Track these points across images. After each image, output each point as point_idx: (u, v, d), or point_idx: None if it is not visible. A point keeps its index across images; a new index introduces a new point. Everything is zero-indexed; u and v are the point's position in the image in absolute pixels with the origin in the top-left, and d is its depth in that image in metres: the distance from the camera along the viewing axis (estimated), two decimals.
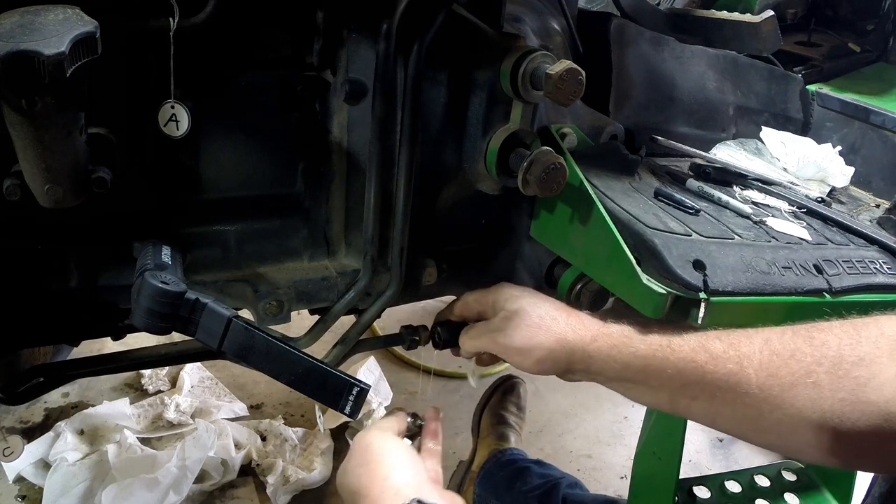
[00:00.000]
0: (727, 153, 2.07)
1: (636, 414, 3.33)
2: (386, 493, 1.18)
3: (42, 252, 1.36)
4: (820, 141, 2.22)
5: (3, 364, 1.78)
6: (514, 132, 1.42)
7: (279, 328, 1.49)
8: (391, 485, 1.18)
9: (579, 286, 1.55)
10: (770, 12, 1.92)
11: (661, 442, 1.90)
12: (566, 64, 1.27)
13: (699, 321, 1.37)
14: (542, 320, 1.39)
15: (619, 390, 1.38)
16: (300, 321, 1.60)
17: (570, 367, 1.37)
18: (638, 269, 1.37)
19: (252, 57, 1.37)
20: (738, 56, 2.27)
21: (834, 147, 2.19)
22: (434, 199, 1.54)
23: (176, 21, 1.18)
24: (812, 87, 2.49)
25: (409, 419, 1.45)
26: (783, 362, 1.17)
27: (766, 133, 2.16)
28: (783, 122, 2.38)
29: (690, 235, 1.48)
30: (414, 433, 1.47)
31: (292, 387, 1.19)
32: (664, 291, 1.35)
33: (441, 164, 1.50)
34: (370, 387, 1.22)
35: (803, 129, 2.46)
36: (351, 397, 1.20)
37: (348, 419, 2.83)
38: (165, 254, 1.30)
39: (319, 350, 1.41)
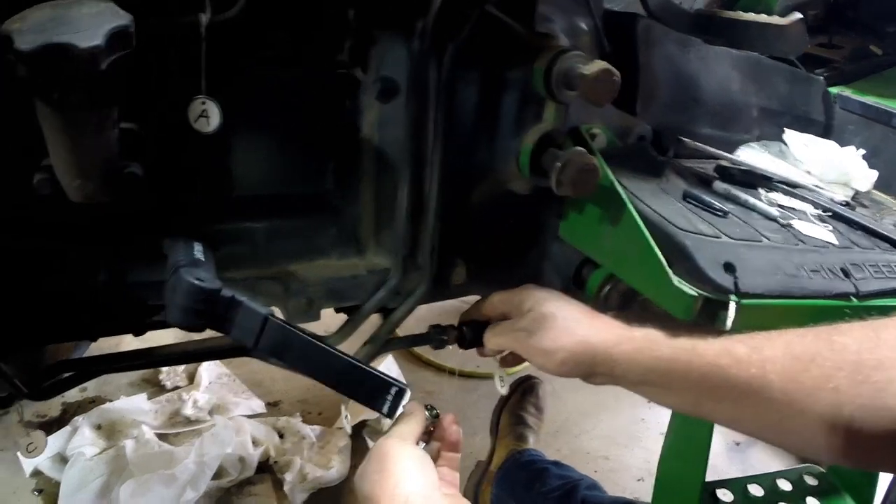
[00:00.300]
0: (751, 155, 2.06)
1: (654, 416, 3.33)
2: (395, 501, 1.17)
3: (71, 248, 1.36)
4: (842, 144, 2.21)
5: (27, 360, 1.78)
6: (547, 132, 1.42)
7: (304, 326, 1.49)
8: (400, 493, 1.17)
9: (608, 287, 1.55)
10: (798, 14, 1.92)
11: (687, 444, 1.89)
12: (601, 64, 1.27)
13: (728, 324, 1.37)
14: (566, 322, 1.40)
15: (642, 393, 1.37)
16: (323, 318, 1.60)
17: (593, 369, 1.37)
18: (669, 270, 1.36)
19: (283, 53, 1.37)
20: (761, 58, 2.26)
21: (856, 150, 2.18)
22: (465, 198, 1.54)
23: (208, 16, 1.18)
24: (833, 90, 2.48)
25: (426, 412, 1.45)
26: (804, 367, 1.16)
27: (790, 135, 2.15)
28: (805, 125, 2.37)
29: (720, 237, 1.48)
30: (430, 427, 1.46)
31: (330, 386, 1.19)
32: (695, 293, 1.34)
33: (472, 164, 1.50)
34: (408, 386, 1.22)
35: (825, 131, 2.45)
36: (389, 397, 1.20)
37: (367, 417, 2.84)
38: (198, 250, 1.29)
39: (344, 349, 1.40)
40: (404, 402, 1.27)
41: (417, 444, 1.35)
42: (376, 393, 1.19)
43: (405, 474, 1.20)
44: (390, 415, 1.22)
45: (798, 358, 1.18)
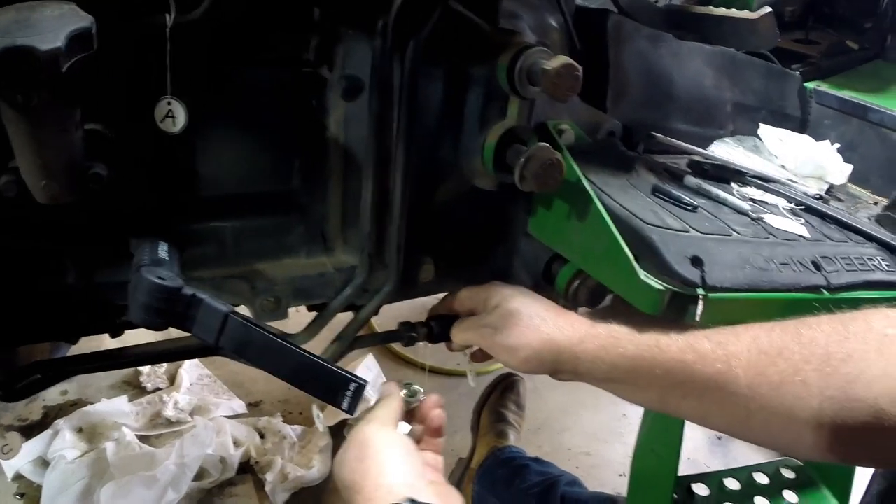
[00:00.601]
0: (725, 150, 2.07)
1: (635, 411, 3.31)
2: (379, 491, 1.15)
3: (38, 249, 1.36)
4: (818, 138, 2.22)
5: (0, 361, 1.78)
6: (511, 128, 1.42)
7: (276, 324, 1.49)
8: (384, 483, 1.16)
9: (577, 283, 1.55)
10: (767, 8, 1.92)
11: (660, 439, 1.90)
12: (563, 59, 1.27)
13: (696, 318, 1.37)
14: (531, 320, 1.39)
15: (608, 390, 1.38)
16: (297, 318, 1.60)
17: (557, 367, 1.37)
18: (636, 265, 1.36)
19: (249, 53, 1.37)
20: (735, 53, 2.27)
21: (832, 144, 2.19)
22: (431, 195, 1.54)
23: (172, 17, 1.19)
24: (810, 85, 2.49)
25: (403, 391, 1.44)
26: (771, 361, 1.17)
27: (764, 130, 2.16)
28: (781, 120, 2.38)
29: (688, 232, 1.48)
30: (412, 407, 1.46)
31: (290, 382, 1.19)
32: (662, 288, 1.34)
33: (438, 161, 1.50)
34: (367, 382, 1.22)
35: (801, 126, 2.46)
36: (348, 393, 1.20)
37: (346, 416, 2.83)
38: (162, 250, 1.30)
39: (317, 347, 1.40)
40: (382, 391, 1.28)
41: (397, 426, 1.35)
42: (335, 389, 1.20)
43: (388, 462, 1.20)
44: (350, 411, 1.22)
45: (765, 352, 1.18)
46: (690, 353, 1.24)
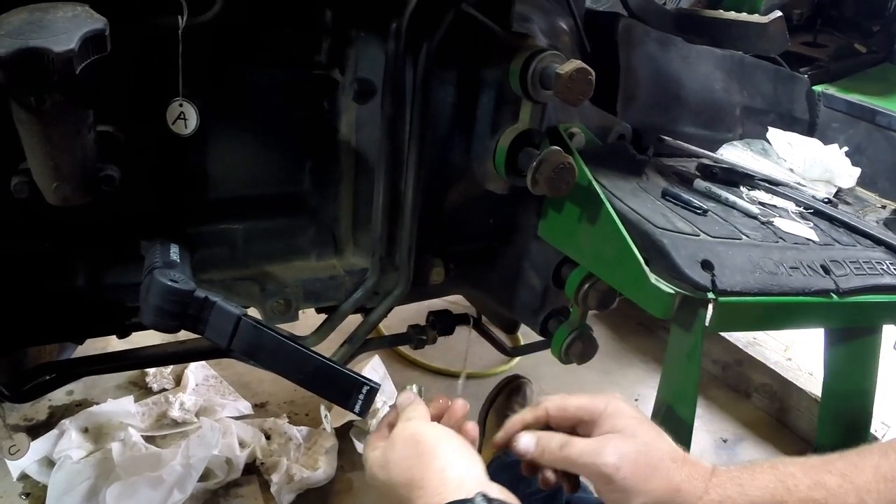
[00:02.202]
0: (734, 153, 2.07)
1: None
2: (447, 485, 1.07)
3: (49, 250, 1.36)
4: (826, 142, 2.22)
5: (9, 362, 1.78)
6: (523, 132, 1.42)
7: (285, 327, 1.48)
8: (452, 476, 1.09)
9: (587, 286, 1.55)
10: (778, 13, 1.92)
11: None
12: (576, 63, 1.27)
13: (707, 321, 1.37)
14: (662, 463, 1.17)
15: None
16: (305, 320, 1.60)
17: None
18: (646, 268, 1.37)
19: (260, 55, 1.37)
20: (744, 56, 2.27)
21: (840, 148, 2.18)
22: (442, 198, 1.55)
23: (185, 19, 1.18)
24: (818, 88, 2.49)
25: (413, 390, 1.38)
26: None
27: (773, 133, 2.16)
28: (789, 123, 2.38)
29: (698, 235, 1.48)
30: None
31: (301, 385, 1.19)
32: (672, 291, 1.35)
33: (449, 164, 1.51)
34: (379, 385, 1.22)
35: (809, 129, 2.46)
36: (361, 396, 1.20)
37: (353, 418, 2.83)
38: (174, 252, 1.30)
39: (325, 349, 1.40)
40: (392, 404, 1.25)
41: None
42: (348, 392, 1.19)
43: (451, 456, 1.13)
44: (362, 413, 1.21)
45: (892, 479, 1.12)
46: (820, 491, 1.13)
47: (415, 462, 1.14)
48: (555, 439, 1.22)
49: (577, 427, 1.26)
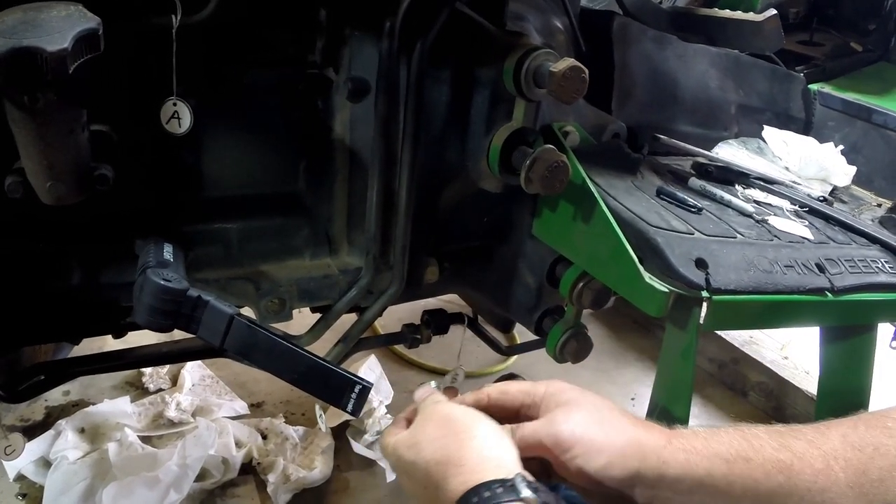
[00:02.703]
0: (729, 152, 2.07)
1: (640, 411, 3.31)
2: (486, 465, 1.05)
3: (43, 250, 1.35)
4: (822, 140, 2.22)
5: (4, 362, 1.78)
6: (517, 130, 1.42)
7: (280, 326, 1.48)
8: (490, 456, 1.07)
9: (581, 285, 1.55)
10: (773, 11, 1.92)
11: None
12: (569, 62, 1.27)
13: (701, 320, 1.37)
14: (617, 420, 1.18)
15: None
16: (301, 319, 1.60)
17: (640, 473, 1.14)
18: (640, 267, 1.37)
19: (254, 55, 1.37)
20: (740, 55, 2.27)
21: (836, 146, 2.19)
22: (436, 197, 1.54)
23: (178, 18, 1.19)
24: (814, 87, 2.49)
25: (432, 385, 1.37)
26: (868, 458, 1.12)
27: (769, 132, 2.16)
28: (785, 122, 2.38)
29: (693, 234, 1.48)
30: None
31: (294, 384, 1.19)
32: (666, 290, 1.35)
33: (444, 163, 1.51)
34: (372, 385, 1.22)
35: (805, 128, 2.46)
36: (353, 395, 1.20)
37: (349, 418, 2.83)
38: (167, 251, 1.30)
39: (321, 348, 1.40)
40: (389, 403, 1.26)
41: None
42: (340, 391, 1.19)
43: (488, 436, 1.11)
44: (355, 413, 1.21)
45: (859, 449, 1.13)
46: (786, 453, 1.13)
47: (451, 441, 1.12)
48: (504, 429, 1.19)
49: (519, 412, 1.25)
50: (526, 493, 0.99)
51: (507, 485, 1.01)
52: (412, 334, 1.63)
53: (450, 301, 2.28)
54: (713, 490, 1.14)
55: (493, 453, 1.08)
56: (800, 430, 1.17)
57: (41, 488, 2.48)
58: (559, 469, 1.17)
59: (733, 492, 1.13)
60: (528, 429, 1.19)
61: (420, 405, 1.23)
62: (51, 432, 2.65)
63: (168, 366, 3.04)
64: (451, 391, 1.33)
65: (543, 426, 1.17)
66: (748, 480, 1.12)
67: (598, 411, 1.18)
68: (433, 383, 1.31)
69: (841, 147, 2.20)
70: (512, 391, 1.26)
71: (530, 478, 1.02)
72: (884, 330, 1.81)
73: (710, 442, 1.15)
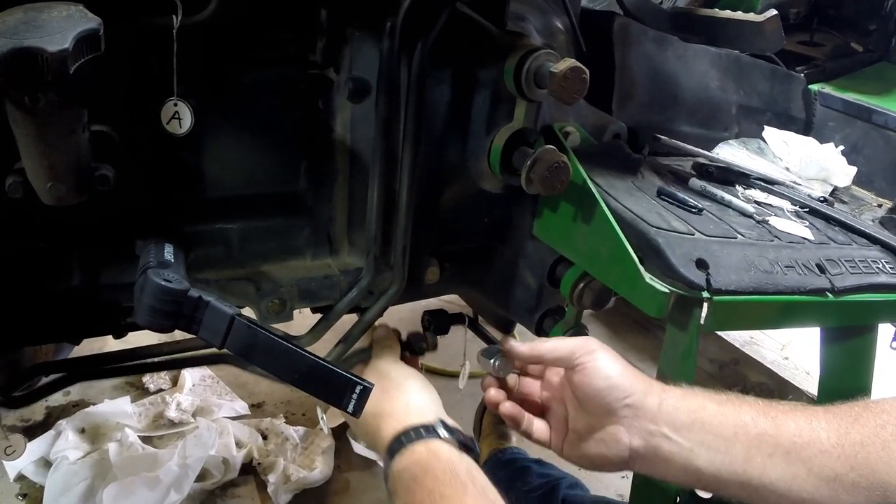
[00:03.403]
0: (730, 152, 2.07)
1: None
2: (410, 414, 1.29)
3: (44, 250, 1.35)
4: (822, 140, 2.22)
5: (5, 363, 1.78)
6: (518, 130, 1.43)
7: (281, 326, 1.48)
8: (414, 407, 1.31)
9: (582, 285, 1.55)
10: (773, 11, 1.92)
11: None
12: (570, 62, 1.27)
13: (702, 320, 1.38)
14: (615, 357, 1.31)
15: (670, 454, 1.24)
16: (301, 320, 1.60)
17: (644, 400, 1.26)
18: (641, 267, 1.37)
19: (255, 55, 1.37)
20: (740, 55, 2.27)
21: (836, 147, 2.19)
22: (437, 197, 1.54)
23: (179, 18, 1.18)
24: (814, 87, 2.49)
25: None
26: (849, 425, 1.18)
27: (769, 132, 2.16)
28: (785, 122, 2.38)
29: (693, 234, 1.48)
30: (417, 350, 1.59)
31: (295, 385, 1.18)
32: (667, 290, 1.35)
33: (444, 163, 1.50)
34: (373, 385, 1.22)
35: (806, 128, 2.46)
36: (354, 396, 1.19)
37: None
38: (168, 252, 1.30)
39: (320, 349, 1.40)
40: (378, 332, 1.35)
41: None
42: (341, 391, 1.19)
43: (413, 390, 1.37)
44: (356, 413, 1.21)
45: (840, 417, 1.20)
46: (771, 410, 1.23)
47: (384, 396, 1.34)
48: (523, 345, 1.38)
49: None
50: (443, 433, 1.27)
51: (429, 427, 1.27)
52: (419, 343, 1.63)
53: (450, 301, 2.28)
54: (707, 425, 1.22)
55: (417, 405, 1.33)
56: (779, 403, 1.26)
57: (41, 488, 2.49)
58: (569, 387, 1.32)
59: (725, 430, 1.21)
60: (545, 345, 1.35)
61: (373, 351, 1.51)
62: (51, 432, 2.66)
63: None
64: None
65: (558, 341, 1.34)
66: (738, 419, 1.21)
67: (623, 360, 1.31)
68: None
69: (841, 147, 2.20)
70: (563, 346, 1.34)
71: (450, 422, 1.29)
72: (884, 330, 1.81)
73: (702, 391, 1.28)
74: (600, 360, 1.28)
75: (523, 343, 1.38)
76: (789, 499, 1.19)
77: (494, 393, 1.39)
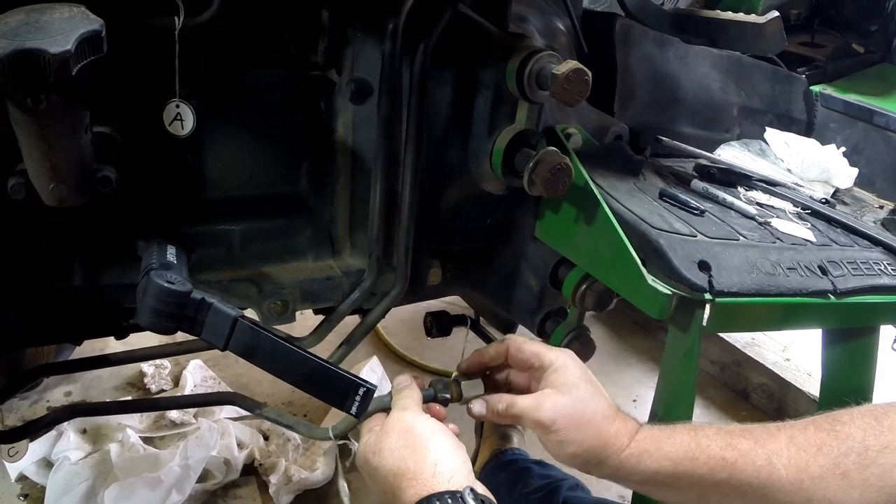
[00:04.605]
0: (731, 154, 2.07)
1: (640, 415, 3.30)
2: (438, 479, 1.15)
3: (46, 251, 1.35)
4: (824, 142, 2.22)
5: (6, 363, 1.78)
6: (520, 132, 1.42)
7: (283, 328, 1.48)
8: (442, 471, 1.16)
9: (584, 287, 1.55)
10: (775, 13, 1.92)
11: None
12: (572, 64, 1.27)
13: (704, 322, 1.37)
14: (594, 418, 1.30)
15: (643, 492, 1.37)
16: (303, 321, 1.60)
17: (598, 467, 1.31)
18: (643, 269, 1.37)
19: (257, 56, 1.37)
20: (742, 56, 2.27)
21: (837, 148, 2.19)
22: (439, 199, 1.54)
23: (181, 20, 1.18)
24: (816, 88, 2.49)
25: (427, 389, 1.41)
26: (811, 457, 1.19)
27: (770, 134, 2.16)
28: (787, 123, 2.38)
29: (695, 236, 1.48)
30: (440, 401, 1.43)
31: (298, 387, 1.19)
32: (669, 292, 1.35)
33: (446, 164, 1.50)
34: (376, 387, 1.22)
35: (807, 129, 2.46)
36: (357, 397, 1.20)
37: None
38: (171, 253, 1.30)
39: (323, 350, 1.40)
40: (399, 381, 1.29)
41: None
42: (344, 393, 1.19)
43: (442, 450, 1.21)
44: (358, 415, 1.21)
45: (803, 449, 1.21)
46: (731, 451, 1.23)
47: (408, 453, 1.20)
48: (501, 402, 1.36)
49: (529, 370, 1.40)
50: None
51: (457, 496, 1.12)
52: (443, 392, 1.54)
53: (452, 303, 2.28)
54: (661, 485, 1.28)
55: (446, 467, 1.17)
56: (750, 430, 1.27)
57: (43, 489, 2.49)
58: (540, 440, 1.35)
59: (680, 485, 1.27)
60: (517, 407, 1.33)
61: (395, 402, 1.33)
62: (53, 433, 2.65)
63: (170, 367, 3.05)
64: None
65: (531, 408, 1.31)
66: (693, 477, 1.25)
67: (583, 407, 1.31)
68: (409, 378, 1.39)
69: (843, 149, 2.20)
70: (527, 352, 1.38)
71: (481, 489, 1.14)
72: (886, 332, 1.80)
73: (662, 444, 1.28)
74: (557, 433, 1.30)
75: (487, 401, 1.41)
76: None
77: (479, 409, 1.41)
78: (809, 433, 1.22)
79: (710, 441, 1.26)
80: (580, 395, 1.31)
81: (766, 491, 1.20)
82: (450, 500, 1.11)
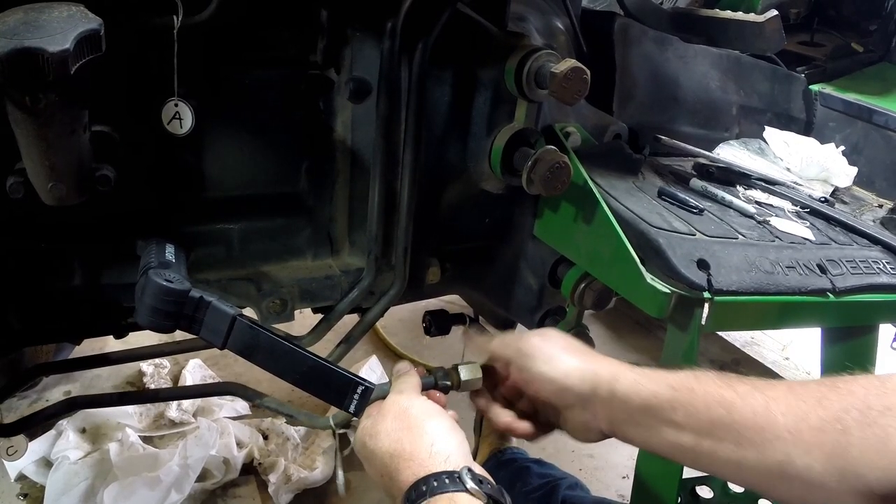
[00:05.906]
0: (730, 153, 2.07)
1: None
2: (434, 459, 1.14)
3: (45, 250, 1.35)
4: (823, 141, 2.22)
5: (6, 362, 1.78)
6: (519, 131, 1.43)
7: (282, 327, 1.48)
8: (439, 451, 1.15)
9: (583, 285, 1.55)
10: (774, 12, 1.92)
11: None
12: (571, 62, 1.27)
13: (703, 321, 1.37)
14: (572, 349, 1.33)
15: (634, 435, 1.29)
16: (302, 320, 1.60)
17: (593, 397, 1.27)
18: (642, 268, 1.37)
19: (256, 55, 1.37)
20: (741, 56, 2.27)
21: (837, 147, 2.19)
22: (438, 198, 1.55)
23: (180, 19, 1.18)
24: (815, 87, 2.49)
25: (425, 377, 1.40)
26: (810, 407, 1.13)
27: (770, 133, 2.16)
28: (786, 122, 2.38)
29: (694, 235, 1.48)
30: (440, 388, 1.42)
31: (297, 385, 1.19)
32: (668, 291, 1.35)
33: (445, 163, 1.51)
34: (375, 386, 1.22)
35: (806, 128, 2.46)
36: (356, 396, 1.20)
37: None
38: (169, 252, 1.30)
39: (322, 349, 1.40)
40: (399, 367, 1.28)
41: None
42: (343, 392, 1.19)
43: (439, 431, 1.20)
44: (357, 414, 1.21)
45: (803, 399, 1.16)
46: (729, 391, 1.19)
47: (404, 434, 1.19)
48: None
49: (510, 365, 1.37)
50: (470, 484, 1.10)
51: (454, 476, 1.11)
52: (443, 379, 1.54)
53: (451, 302, 2.28)
54: (658, 413, 1.21)
55: (442, 448, 1.16)
56: (748, 378, 1.22)
57: (42, 488, 2.49)
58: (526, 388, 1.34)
59: (676, 417, 1.20)
60: (497, 342, 1.36)
61: (392, 386, 1.31)
62: (52, 432, 2.65)
63: (169, 366, 3.05)
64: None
65: (514, 341, 1.34)
66: (690, 408, 1.19)
67: (564, 339, 1.32)
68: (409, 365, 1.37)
69: (842, 148, 2.20)
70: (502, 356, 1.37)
71: (478, 470, 1.13)
72: (885, 331, 1.80)
73: (661, 373, 1.24)
74: (540, 364, 1.30)
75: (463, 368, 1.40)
76: (741, 479, 1.23)
77: (483, 402, 1.41)
78: (810, 386, 1.18)
79: (708, 378, 1.22)
80: (560, 340, 1.33)
81: (763, 436, 1.15)
82: (447, 480, 1.11)
